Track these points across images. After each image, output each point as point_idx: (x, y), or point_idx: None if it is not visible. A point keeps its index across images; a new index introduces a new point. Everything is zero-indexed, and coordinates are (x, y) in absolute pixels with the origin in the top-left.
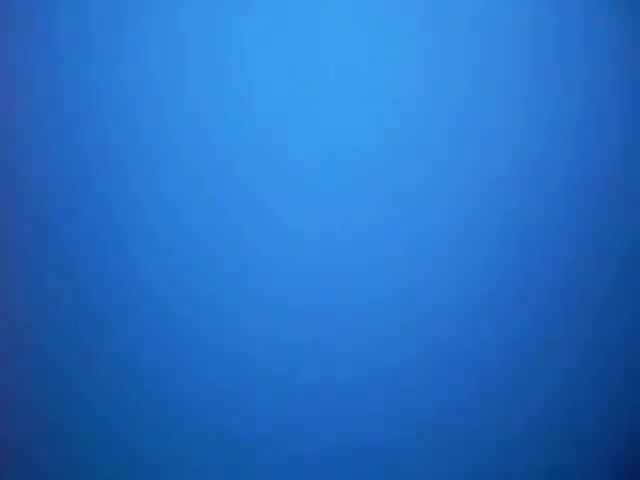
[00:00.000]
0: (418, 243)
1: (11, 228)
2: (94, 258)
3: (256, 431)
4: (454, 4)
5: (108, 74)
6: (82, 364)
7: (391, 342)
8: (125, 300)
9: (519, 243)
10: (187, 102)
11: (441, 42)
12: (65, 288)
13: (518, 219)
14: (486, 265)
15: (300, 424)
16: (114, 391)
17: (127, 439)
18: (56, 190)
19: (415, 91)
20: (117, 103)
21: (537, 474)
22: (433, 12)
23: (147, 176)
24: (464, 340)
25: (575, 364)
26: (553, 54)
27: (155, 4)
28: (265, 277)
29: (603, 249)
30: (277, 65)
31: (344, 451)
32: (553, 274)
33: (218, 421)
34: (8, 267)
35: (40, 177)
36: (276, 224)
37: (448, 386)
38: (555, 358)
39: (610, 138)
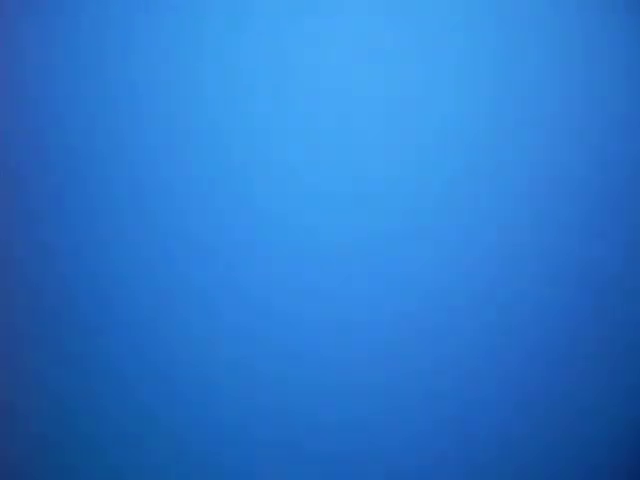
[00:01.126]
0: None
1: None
2: (86, 274)
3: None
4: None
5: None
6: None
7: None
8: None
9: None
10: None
11: (448, 50)
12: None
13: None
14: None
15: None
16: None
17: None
18: (49, 195)
19: (428, 115)
20: (125, 106)
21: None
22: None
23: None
24: (467, 343)
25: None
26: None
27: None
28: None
29: (618, 253)
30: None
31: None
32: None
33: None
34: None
35: (34, 179)
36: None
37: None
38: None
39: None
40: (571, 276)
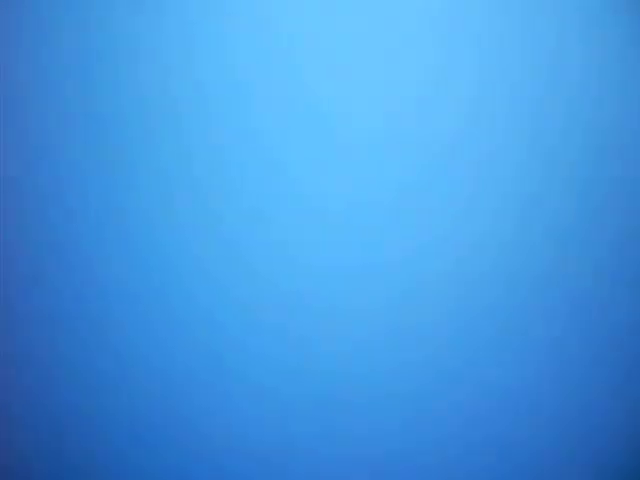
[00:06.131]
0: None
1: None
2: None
3: None
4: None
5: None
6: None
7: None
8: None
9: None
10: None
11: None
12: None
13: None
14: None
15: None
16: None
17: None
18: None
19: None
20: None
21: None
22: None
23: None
24: (466, 345)
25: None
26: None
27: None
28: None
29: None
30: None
31: None
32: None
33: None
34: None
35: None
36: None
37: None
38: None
39: None
40: (576, 277)
